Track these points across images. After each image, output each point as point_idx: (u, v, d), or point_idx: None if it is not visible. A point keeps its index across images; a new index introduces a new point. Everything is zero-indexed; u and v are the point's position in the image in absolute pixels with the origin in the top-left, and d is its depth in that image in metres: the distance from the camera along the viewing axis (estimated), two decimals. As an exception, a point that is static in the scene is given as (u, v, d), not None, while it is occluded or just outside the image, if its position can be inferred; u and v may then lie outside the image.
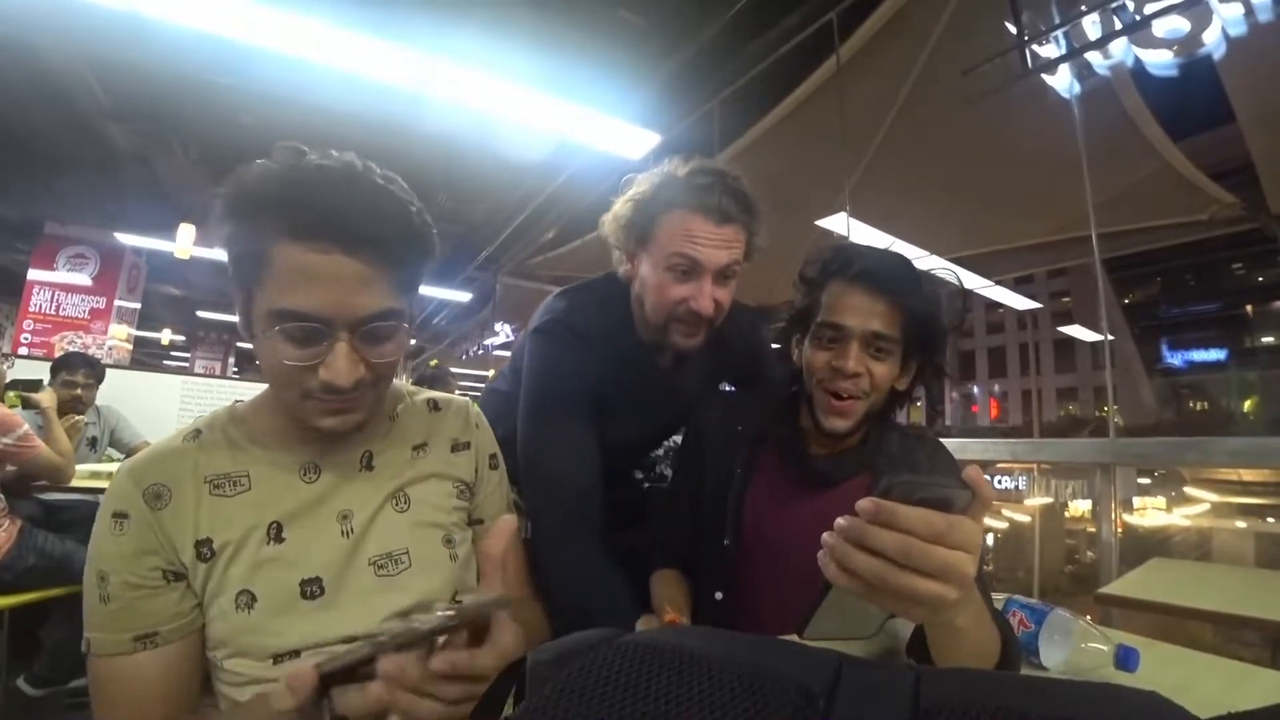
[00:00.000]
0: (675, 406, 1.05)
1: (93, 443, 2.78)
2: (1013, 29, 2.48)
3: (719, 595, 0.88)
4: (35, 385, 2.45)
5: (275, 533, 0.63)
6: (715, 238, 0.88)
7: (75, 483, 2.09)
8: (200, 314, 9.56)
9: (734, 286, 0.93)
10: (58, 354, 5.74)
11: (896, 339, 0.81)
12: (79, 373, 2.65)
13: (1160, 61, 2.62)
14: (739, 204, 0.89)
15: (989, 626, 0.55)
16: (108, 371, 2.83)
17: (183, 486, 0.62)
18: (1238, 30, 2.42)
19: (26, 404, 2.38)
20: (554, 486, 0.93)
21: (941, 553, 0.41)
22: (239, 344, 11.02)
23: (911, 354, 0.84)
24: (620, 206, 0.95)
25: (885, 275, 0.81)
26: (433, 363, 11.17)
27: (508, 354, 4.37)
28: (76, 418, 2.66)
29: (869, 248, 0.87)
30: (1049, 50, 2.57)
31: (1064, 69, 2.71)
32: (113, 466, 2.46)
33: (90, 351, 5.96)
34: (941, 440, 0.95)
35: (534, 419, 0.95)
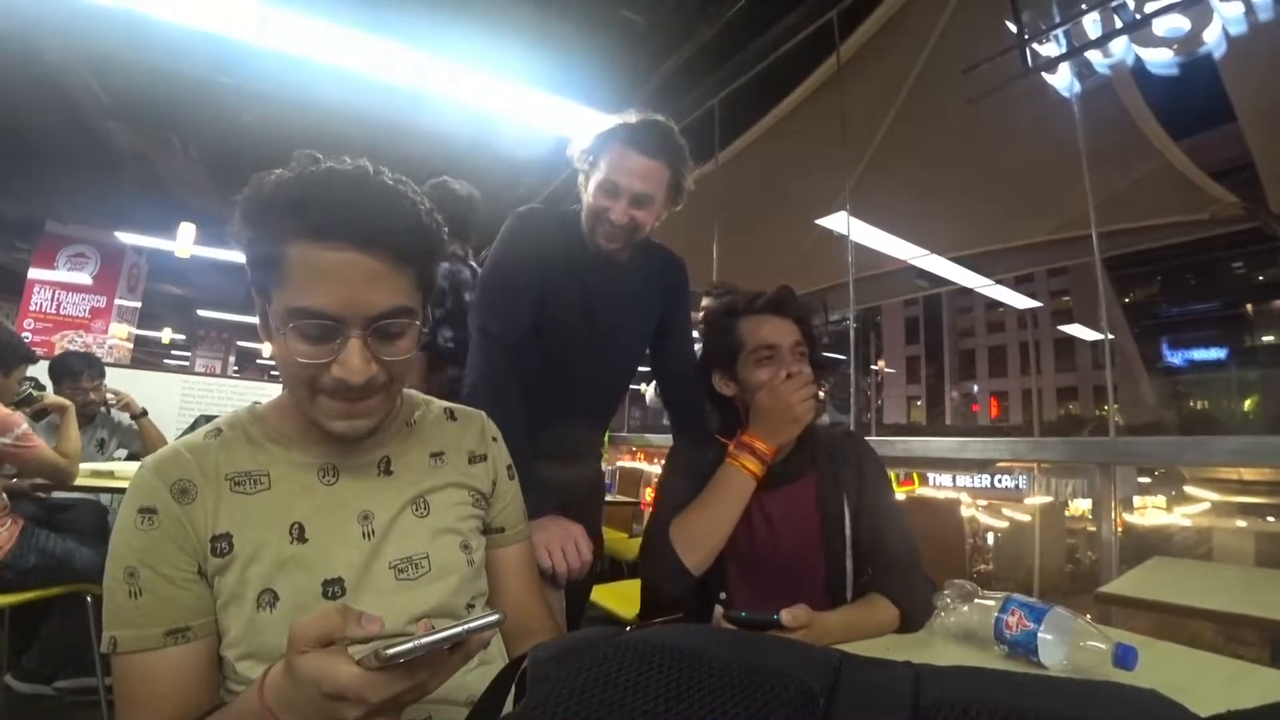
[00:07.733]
0: (621, 301, 1.24)
1: (100, 444, 2.78)
2: (1013, 28, 2.47)
3: (723, 595, 1.01)
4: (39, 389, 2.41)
5: (298, 533, 0.63)
6: (637, 168, 1.11)
7: (76, 481, 2.09)
8: (201, 313, 9.56)
9: (653, 213, 1.16)
10: (58, 353, 5.75)
11: (806, 346, 1.07)
12: (81, 377, 2.61)
13: (1161, 60, 2.62)
14: (666, 146, 1.12)
15: None
16: (108, 370, 2.81)
17: (205, 482, 0.62)
18: (1238, 29, 2.41)
19: (39, 415, 2.28)
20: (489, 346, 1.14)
21: None
22: (239, 343, 11.02)
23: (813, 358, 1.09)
24: (582, 140, 1.18)
25: (787, 302, 1.08)
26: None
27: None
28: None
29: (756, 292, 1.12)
30: (1049, 49, 2.56)
31: (1064, 68, 2.70)
32: (112, 466, 2.46)
33: (91, 350, 5.96)
34: (865, 438, 1.16)
35: (483, 293, 1.17)
